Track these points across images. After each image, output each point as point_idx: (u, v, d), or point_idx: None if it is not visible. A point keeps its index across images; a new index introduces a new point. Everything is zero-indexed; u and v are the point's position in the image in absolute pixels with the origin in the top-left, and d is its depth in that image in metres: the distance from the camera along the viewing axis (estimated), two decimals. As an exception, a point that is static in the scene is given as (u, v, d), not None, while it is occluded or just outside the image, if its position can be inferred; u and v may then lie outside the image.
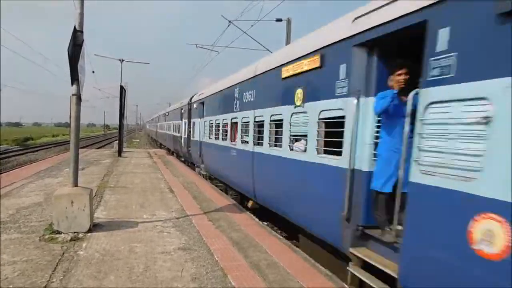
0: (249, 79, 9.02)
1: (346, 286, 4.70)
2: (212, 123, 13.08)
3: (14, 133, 66.32)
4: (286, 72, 6.69)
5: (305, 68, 5.93)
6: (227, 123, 10.94)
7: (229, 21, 16.87)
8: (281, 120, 6.87)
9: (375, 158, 4.54)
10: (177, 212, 8.03)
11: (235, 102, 10.08)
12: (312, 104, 5.73)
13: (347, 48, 4.81)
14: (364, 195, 4.60)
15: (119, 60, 30.40)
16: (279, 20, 17.35)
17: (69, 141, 6.51)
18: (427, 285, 3.41)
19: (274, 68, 7.34)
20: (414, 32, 3.78)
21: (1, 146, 35.39)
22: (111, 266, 4.79)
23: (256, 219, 7.97)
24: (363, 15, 4.62)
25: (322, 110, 5.43)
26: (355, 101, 4.60)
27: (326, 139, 5.42)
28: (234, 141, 10.15)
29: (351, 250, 4.68)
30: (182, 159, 21.97)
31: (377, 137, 4.56)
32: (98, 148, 35.97)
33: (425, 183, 3.44)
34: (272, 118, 7.41)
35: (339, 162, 4.94)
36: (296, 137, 6.44)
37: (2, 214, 7.10)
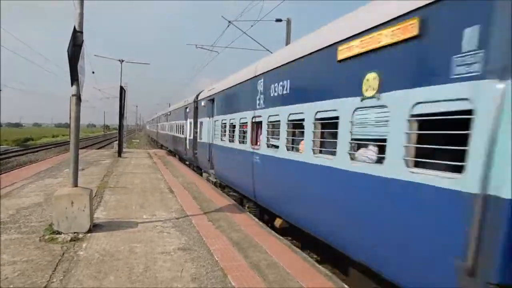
0: (279, 67, 7.11)
1: (345, 286, 4.69)
2: (225, 123, 11.13)
3: (14, 134, 66.35)
4: (346, 51, 4.86)
5: (386, 41, 4.17)
6: (245, 122, 9.09)
7: (229, 21, 16.88)
8: (335, 118, 5.09)
9: None
10: (177, 212, 8.04)
11: (257, 97, 8.18)
12: (398, 94, 3.98)
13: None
14: (504, 234, 3.00)
15: (119, 60, 30.42)
16: (279, 20, 17.36)
17: (69, 141, 6.52)
18: None
19: (323, 49, 5.49)
20: None
21: (1, 146, 35.40)
22: (111, 266, 4.80)
23: (256, 219, 7.97)
24: None
25: (418, 103, 3.70)
26: (500, 85, 2.95)
27: (423, 145, 3.68)
28: (256, 144, 8.39)
29: None
30: (187, 163, 20.25)
31: None
32: (98, 148, 35.97)
33: None
34: (318, 116, 5.56)
35: (458, 183, 3.25)
36: (359, 142, 4.69)
37: (2, 214, 7.10)
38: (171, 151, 27.81)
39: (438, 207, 3.43)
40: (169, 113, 30.68)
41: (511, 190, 2.83)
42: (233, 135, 10.19)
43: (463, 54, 3.28)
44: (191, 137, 17.62)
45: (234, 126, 10.18)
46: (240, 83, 9.74)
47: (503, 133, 2.89)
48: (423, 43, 3.73)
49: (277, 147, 7.10)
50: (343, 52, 4.94)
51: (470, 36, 3.23)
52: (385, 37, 4.18)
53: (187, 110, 19.21)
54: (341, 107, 4.96)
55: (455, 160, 3.29)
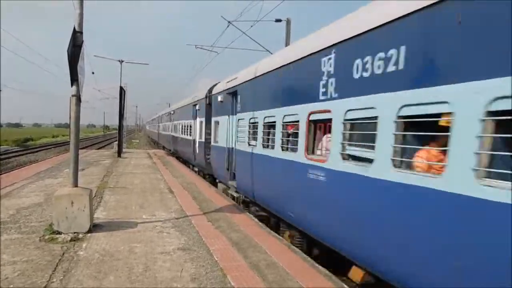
0: (376, 28, 4.31)
1: (345, 286, 4.70)
2: (255, 122, 8.43)
3: (14, 134, 66.37)
4: None
5: None
6: (294, 122, 6.49)
7: (229, 22, 16.89)
8: None
9: None
10: (176, 212, 8.04)
11: (321, 82, 5.46)
12: None
13: None
14: None
15: (119, 61, 30.47)
16: (278, 20, 17.38)
17: (69, 142, 6.53)
18: None
19: None
20: None
21: (2, 147, 35.42)
22: (111, 266, 4.81)
23: (256, 220, 7.97)
24: None
25: None
26: None
27: None
28: (317, 154, 5.85)
29: None
30: (196, 169, 17.51)
31: None
32: (98, 148, 35.98)
33: None
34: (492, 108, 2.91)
35: None
36: None
37: (3, 214, 7.11)
38: (174, 154, 25.70)
39: None
40: (172, 112, 27.45)
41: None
42: (271, 139, 7.57)
43: None
44: (202, 139, 15.11)
45: (271, 127, 7.62)
46: (285, 65, 6.91)
47: None
48: None
49: (366, 160, 4.46)
50: None
51: None
52: None
53: (197, 107, 16.62)
54: None
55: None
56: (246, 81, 9.33)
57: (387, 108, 4.03)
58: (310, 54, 5.92)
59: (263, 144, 7.91)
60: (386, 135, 4.01)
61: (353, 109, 4.74)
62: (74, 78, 5.96)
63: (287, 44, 16.97)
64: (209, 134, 13.92)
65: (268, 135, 7.79)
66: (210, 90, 14.38)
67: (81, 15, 6.12)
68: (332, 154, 5.13)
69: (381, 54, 4.17)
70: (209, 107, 14.13)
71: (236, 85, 10.23)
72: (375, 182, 4.19)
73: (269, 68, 7.79)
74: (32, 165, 17.25)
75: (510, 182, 2.70)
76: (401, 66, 3.88)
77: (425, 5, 3.55)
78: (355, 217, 4.69)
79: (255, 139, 8.45)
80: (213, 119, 13.13)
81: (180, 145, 22.11)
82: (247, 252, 5.64)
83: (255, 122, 8.48)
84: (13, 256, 4.98)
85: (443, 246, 3.29)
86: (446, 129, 3.32)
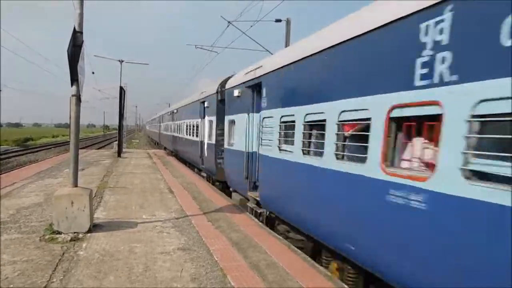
0: None
1: (345, 286, 4.71)
2: (291, 121, 6.53)
3: (14, 134, 66.39)
4: None
5: None
6: (361, 120, 4.66)
7: (229, 22, 16.90)
8: None
9: None
10: (176, 212, 8.05)
11: (420, 60, 3.65)
12: None
13: None
14: None
15: (119, 61, 30.51)
16: (278, 20, 17.38)
17: (69, 141, 6.53)
18: None
19: None
20: None
21: (2, 146, 35.43)
22: (111, 266, 4.81)
23: (256, 220, 7.97)
24: None
25: None
26: None
27: None
28: (416, 170, 3.83)
29: None
30: (205, 174, 15.45)
31: None
32: (98, 148, 35.99)
33: None
34: None
35: None
36: None
37: (3, 214, 7.12)
38: (177, 155, 24.25)
39: None
40: (175, 111, 25.27)
41: None
42: (317, 143, 5.80)
43: None
44: (212, 141, 13.46)
45: (316, 127, 5.84)
46: (348, 40, 4.93)
47: None
48: None
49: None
50: None
51: None
52: None
53: (205, 104, 14.89)
54: None
55: None
56: (277, 68, 7.36)
57: None
58: (398, 20, 3.99)
59: (303, 150, 6.06)
60: None
61: (493, 99, 2.90)
62: (74, 78, 5.96)
63: (287, 44, 16.97)
64: (221, 135, 12.45)
65: (310, 138, 6.00)
66: (222, 84, 12.60)
67: (81, 15, 6.13)
68: (441, 168, 3.33)
69: None
70: (221, 104, 12.47)
71: (260, 76, 8.31)
72: None
73: (319, 47, 5.67)
74: (32, 165, 17.25)
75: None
76: None
77: None
78: (491, 273, 2.89)
79: (289, 142, 6.65)
80: (227, 118, 11.38)
81: (185, 147, 20.30)
82: (247, 252, 5.64)
83: (290, 121, 6.60)
84: (13, 256, 4.98)
85: None
86: None
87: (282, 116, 6.98)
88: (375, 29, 4.36)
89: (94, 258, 5.06)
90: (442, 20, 3.45)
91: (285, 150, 6.81)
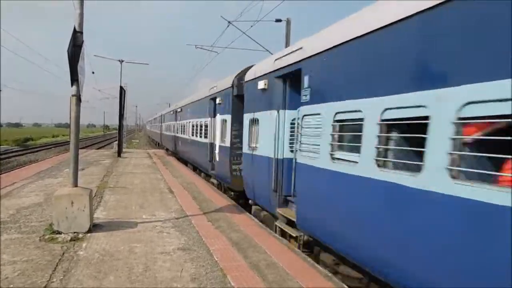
0: None
1: (345, 286, 4.71)
2: (354, 120, 4.75)
3: (14, 134, 66.41)
4: None
5: None
6: (497, 116, 2.81)
7: (229, 22, 16.91)
8: None
9: None
10: (176, 212, 8.05)
11: None
12: None
13: None
14: None
15: (119, 61, 30.54)
16: (278, 20, 17.39)
17: (69, 141, 6.54)
18: None
19: None
20: None
21: (2, 146, 35.44)
22: (111, 266, 4.81)
23: (256, 220, 7.98)
24: None
25: None
26: None
27: None
28: None
29: None
30: (215, 181, 13.26)
31: None
32: (98, 148, 36.00)
33: None
34: None
35: None
36: None
37: (3, 214, 7.12)
38: (180, 157, 22.68)
39: None
40: (179, 109, 23.15)
41: None
42: (412, 152, 3.84)
43: None
44: (226, 144, 11.45)
45: (405, 128, 3.97)
46: None
47: None
48: None
49: None
50: None
51: None
52: None
53: (217, 101, 12.86)
54: None
55: None
56: (329, 48, 5.43)
57: None
58: None
59: (377, 161, 4.19)
60: None
61: None
62: (74, 78, 5.97)
63: (287, 44, 16.97)
64: (237, 136, 10.69)
65: (388, 144, 4.17)
66: (239, 77, 10.59)
67: (81, 15, 6.13)
68: None
69: None
70: (238, 100, 10.66)
71: (300, 60, 6.43)
72: None
73: (404, 13, 3.83)
74: (32, 165, 17.26)
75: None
76: None
77: None
78: None
79: (350, 149, 4.89)
80: (247, 116, 9.38)
81: (190, 149, 18.17)
82: (247, 252, 5.64)
83: (353, 120, 4.80)
84: (13, 256, 4.98)
85: None
86: None
87: (337, 113, 5.17)
88: None
89: (94, 258, 5.06)
90: None
91: (343, 160, 5.03)
